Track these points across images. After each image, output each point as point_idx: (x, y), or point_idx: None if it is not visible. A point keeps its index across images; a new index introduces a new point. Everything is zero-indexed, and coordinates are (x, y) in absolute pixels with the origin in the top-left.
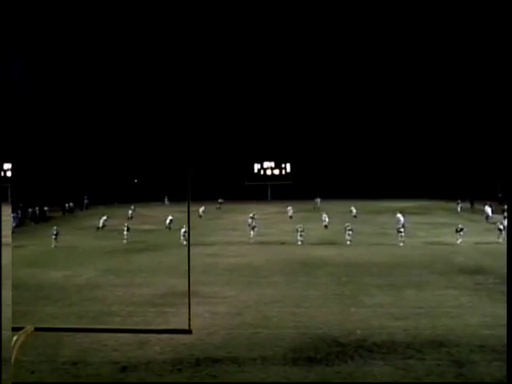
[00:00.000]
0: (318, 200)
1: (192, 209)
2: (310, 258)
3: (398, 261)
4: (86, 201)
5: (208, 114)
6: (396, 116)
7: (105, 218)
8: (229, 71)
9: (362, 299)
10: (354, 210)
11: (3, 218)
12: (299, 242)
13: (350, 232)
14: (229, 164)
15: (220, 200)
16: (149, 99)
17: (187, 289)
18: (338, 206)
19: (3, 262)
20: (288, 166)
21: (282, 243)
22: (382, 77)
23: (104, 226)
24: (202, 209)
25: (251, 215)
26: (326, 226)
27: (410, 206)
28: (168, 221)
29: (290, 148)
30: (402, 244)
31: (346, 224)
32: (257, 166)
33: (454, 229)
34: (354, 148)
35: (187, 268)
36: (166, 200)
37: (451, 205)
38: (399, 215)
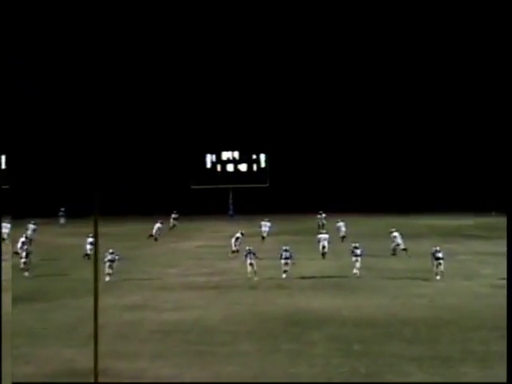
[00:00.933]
0: (323, 216)
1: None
2: (299, 310)
3: (446, 316)
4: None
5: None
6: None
7: None
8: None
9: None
10: (343, 229)
11: None
12: (283, 275)
13: (358, 258)
14: (165, 155)
15: (174, 215)
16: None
17: (93, 365)
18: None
19: None
20: (262, 158)
21: (253, 287)
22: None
23: None
24: (157, 225)
25: (238, 235)
26: (323, 254)
27: (466, 224)
28: (88, 246)
29: (265, 131)
30: (438, 277)
31: (353, 245)
32: (210, 159)
33: None
34: (369, 131)
35: (93, 329)
36: (61, 218)
37: None
38: (396, 234)
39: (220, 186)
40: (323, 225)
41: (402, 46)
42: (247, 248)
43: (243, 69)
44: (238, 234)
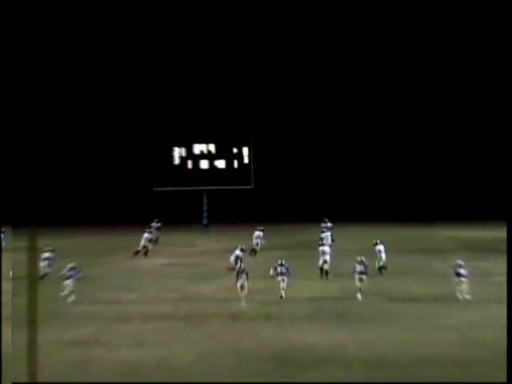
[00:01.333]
0: (329, 224)
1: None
2: (292, 346)
3: (478, 354)
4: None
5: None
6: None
7: None
8: None
9: None
10: (383, 254)
11: None
12: (282, 293)
13: (363, 276)
14: (120, 150)
15: (156, 223)
16: None
17: None
18: (354, 235)
19: None
20: (245, 152)
21: (234, 317)
22: None
23: None
24: (145, 236)
25: (238, 253)
26: (325, 272)
27: (503, 237)
28: (43, 263)
29: (248, 118)
30: (466, 296)
31: (358, 259)
32: (179, 153)
33: None
34: (376, 127)
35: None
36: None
37: None
38: (380, 247)
39: (191, 188)
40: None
41: (402, 51)
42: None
43: (217, 45)
44: (238, 252)
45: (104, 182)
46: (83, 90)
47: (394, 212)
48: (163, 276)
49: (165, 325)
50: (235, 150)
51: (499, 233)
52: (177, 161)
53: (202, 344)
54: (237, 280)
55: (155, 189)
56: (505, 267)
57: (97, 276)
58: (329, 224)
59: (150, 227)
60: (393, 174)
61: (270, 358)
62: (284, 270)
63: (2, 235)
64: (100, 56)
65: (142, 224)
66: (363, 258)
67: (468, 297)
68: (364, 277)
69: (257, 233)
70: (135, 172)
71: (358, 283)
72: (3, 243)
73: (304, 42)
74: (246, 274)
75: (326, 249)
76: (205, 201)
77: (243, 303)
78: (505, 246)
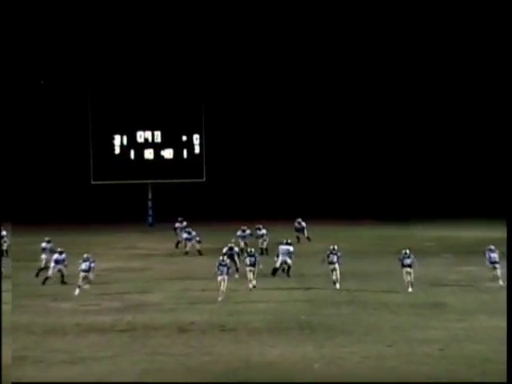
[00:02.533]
0: (302, 224)
1: None
2: (249, 363)
3: (464, 372)
4: None
5: None
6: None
7: None
8: None
9: None
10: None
11: None
12: (250, 285)
13: (336, 266)
14: (50, 137)
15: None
16: None
17: None
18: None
19: None
20: (196, 140)
21: (183, 329)
22: None
23: None
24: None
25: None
26: (285, 271)
27: (493, 238)
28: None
29: (199, 101)
30: (409, 290)
31: (332, 248)
32: (120, 142)
33: None
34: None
35: None
36: None
37: None
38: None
39: (134, 182)
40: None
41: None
42: (221, 258)
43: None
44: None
45: (32, 174)
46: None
47: (375, 210)
48: (102, 282)
49: (104, 338)
50: (184, 138)
51: (490, 233)
52: (117, 150)
53: (146, 360)
54: (216, 273)
55: (93, 182)
56: (492, 273)
57: (25, 282)
58: (303, 224)
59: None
60: (375, 167)
61: (224, 376)
62: (253, 260)
63: None
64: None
65: (78, 223)
66: (336, 247)
67: (410, 290)
68: (337, 266)
69: (239, 232)
70: (69, 164)
71: (333, 276)
72: None
73: (261, 15)
74: (228, 269)
75: (288, 248)
76: (150, 196)
77: (220, 298)
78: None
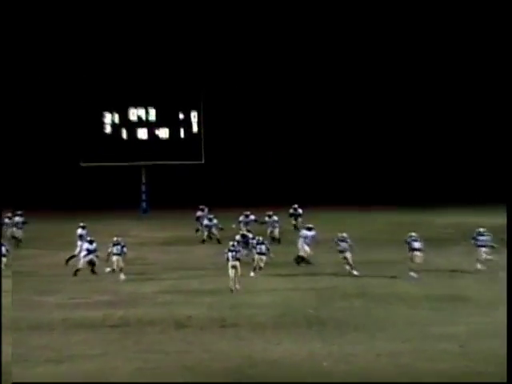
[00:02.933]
0: (299, 211)
1: None
2: (252, 361)
3: (484, 368)
4: None
5: None
6: None
7: None
8: None
9: None
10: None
11: None
12: (252, 274)
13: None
14: (35, 114)
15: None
16: None
17: None
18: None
19: None
20: (193, 118)
21: (180, 324)
22: None
23: None
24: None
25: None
26: (298, 260)
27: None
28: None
29: (198, 75)
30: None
31: (340, 236)
32: (110, 120)
33: None
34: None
35: None
36: None
37: None
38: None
39: (127, 164)
40: (298, 228)
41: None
42: (231, 243)
43: None
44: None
45: (14, 156)
46: None
47: (388, 194)
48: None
49: (94, 335)
50: (181, 116)
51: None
52: (108, 129)
53: (140, 358)
54: (228, 260)
55: (82, 164)
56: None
57: (7, 274)
58: (299, 210)
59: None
60: (389, 150)
61: (225, 375)
62: (264, 248)
63: None
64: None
65: (64, 210)
66: (344, 234)
67: (415, 275)
68: (348, 254)
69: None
70: (55, 144)
71: (346, 266)
72: None
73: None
74: (236, 252)
75: (309, 233)
76: (143, 180)
77: (237, 286)
78: None
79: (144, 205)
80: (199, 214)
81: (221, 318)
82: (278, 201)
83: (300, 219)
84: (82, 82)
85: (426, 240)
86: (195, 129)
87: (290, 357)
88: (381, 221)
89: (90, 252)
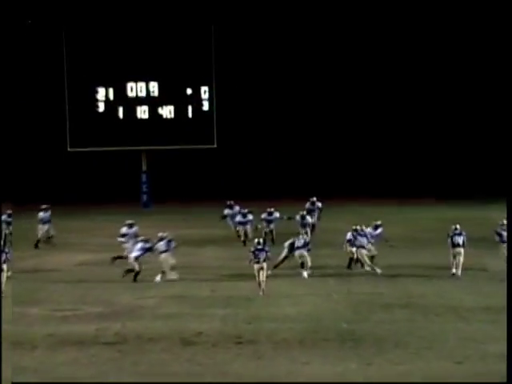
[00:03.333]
0: (318, 204)
1: None
2: None
3: None
4: None
5: None
6: None
7: None
8: None
9: None
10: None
11: None
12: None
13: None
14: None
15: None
16: None
17: None
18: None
19: None
20: (204, 94)
21: (188, 341)
22: None
23: None
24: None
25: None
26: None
27: None
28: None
29: (208, 41)
30: (456, 272)
31: (354, 228)
32: (104, 96)
33: None
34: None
35: None
36: None
37: None
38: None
39: (124, 149)
40: (312, 225)
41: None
42: (256, 241)
43: None
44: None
45: None
46: None
47: (436, 187)
48: (83, 280)
49: (84, 354)
50: (189, 92)
51: None
52: (101, 108)
53: (141, 382)
54: (252, 261)
55: (70, 150)
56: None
57: None
58: (318, 204)
59: None
60: (436, 138)
61: None
62: (263, 254)
63: None
64: None
65: (49, 202)
66: (359, 227)
67: (457, 272)
68: (365, 251)
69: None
70: (39, 125)
71: (367, 262)
72: None
73: None
74: (266, 252)
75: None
76: (144, 168)
77: (260, 293)
78: None
79: (144, 198)
80: (227, 212)
81: (237, 333)
82: (298, 193)
83: (316, 215)
84: (71, 50)
85: (480, 240)
86: (206, 107)
87: (319, 380)
88: (426, 217)
89: (144, 251)
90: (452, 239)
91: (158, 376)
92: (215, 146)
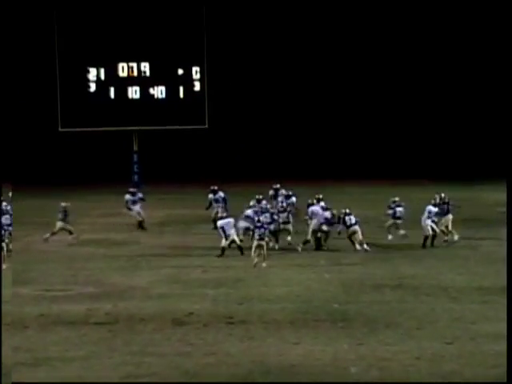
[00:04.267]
0: (281, 191)
1: None
2: (266, 365)
3: None
4: None
5: None
6: None
7: None
8: None
9: None
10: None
11: None
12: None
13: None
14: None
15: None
16: None
17: None
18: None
19: None
20: (195, 74)
21: (181, 322)
22: None
23: None
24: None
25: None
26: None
27: None
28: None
29: (199, 21)
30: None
31: (344, 211)
32: (96, 77)
33: None
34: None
35: None
36: None
37: None
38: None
39: (115, 129)
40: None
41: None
42: (257, 219)
43: None
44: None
45: None
46: None
47: (430, 168)
48: (75, 260)
49: (75, 334)
50: (180, 72)
51: None
52: (93, 87)
53: (131, 362)
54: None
55: (61, 130)
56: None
57: None
58: (282, 191)
59: None
60: (433, 119)
61: (232, 382)
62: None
63: None
64: None
65: (41, 183)
66: (347, 210)
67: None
68: (357, 227)
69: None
70: (30, 105)
71: (356, 243)
72: None
73: None
74: (264, 229)
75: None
76: (135, 148)
77: (264, 264)
78: None
79: (136, 178)
80: (211, 196)
81: (227, 313)
82: (297, 174)
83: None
84: (62, 29)
85: (474, 220)
86: (197, 87)
87: (310, 361)
88: (421, 198)
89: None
90: (394, 212)
91: (149, 356)
92: (206, 126)
